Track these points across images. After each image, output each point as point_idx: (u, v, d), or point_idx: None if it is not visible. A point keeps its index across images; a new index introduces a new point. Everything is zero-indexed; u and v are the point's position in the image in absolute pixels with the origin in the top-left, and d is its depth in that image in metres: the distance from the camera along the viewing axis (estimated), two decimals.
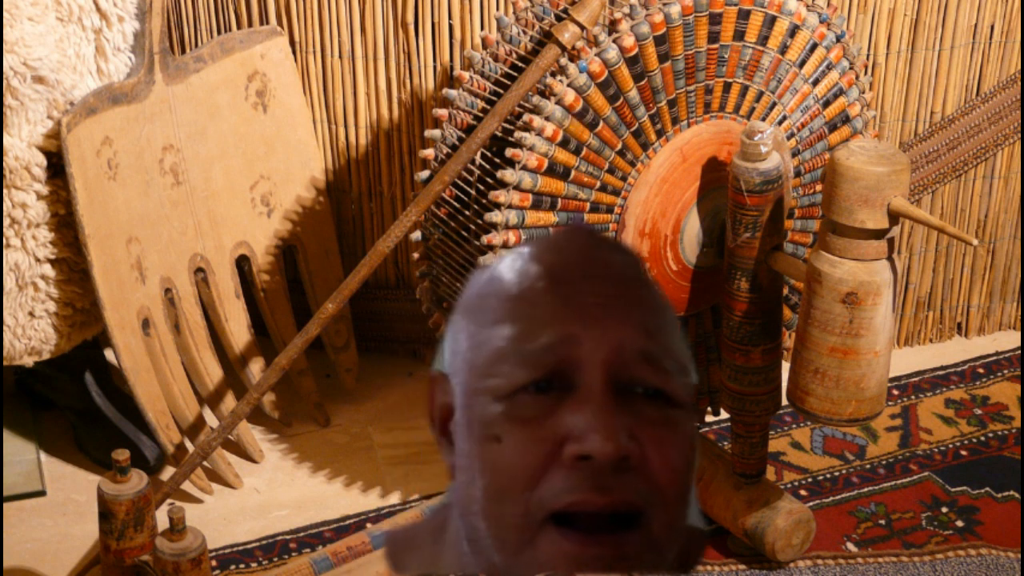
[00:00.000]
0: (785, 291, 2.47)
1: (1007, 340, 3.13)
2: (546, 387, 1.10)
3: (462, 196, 2.39)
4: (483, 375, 1.12)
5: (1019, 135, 2.97)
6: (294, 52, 2.81)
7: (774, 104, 2.39)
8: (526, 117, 2.26)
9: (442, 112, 2.41)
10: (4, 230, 2.49)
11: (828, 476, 2.73)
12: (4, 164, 2.45)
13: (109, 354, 2.81)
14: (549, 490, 1.08)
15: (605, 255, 1.16)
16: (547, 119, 2.25)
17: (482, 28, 2.72)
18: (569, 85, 2.25)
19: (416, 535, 1.23)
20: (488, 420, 1.11)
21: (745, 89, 2.37)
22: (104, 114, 2.51)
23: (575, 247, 1.16)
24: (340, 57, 2.81)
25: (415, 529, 1.24)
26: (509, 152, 2.27)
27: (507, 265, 1.16)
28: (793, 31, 2.36)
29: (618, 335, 1.11)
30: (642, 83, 2.28)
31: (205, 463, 2.65)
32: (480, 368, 1.13)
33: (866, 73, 2.78)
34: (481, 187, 2.35)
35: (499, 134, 2.34)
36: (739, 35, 2.33)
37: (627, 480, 1.08)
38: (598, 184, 2.30)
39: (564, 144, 2.26)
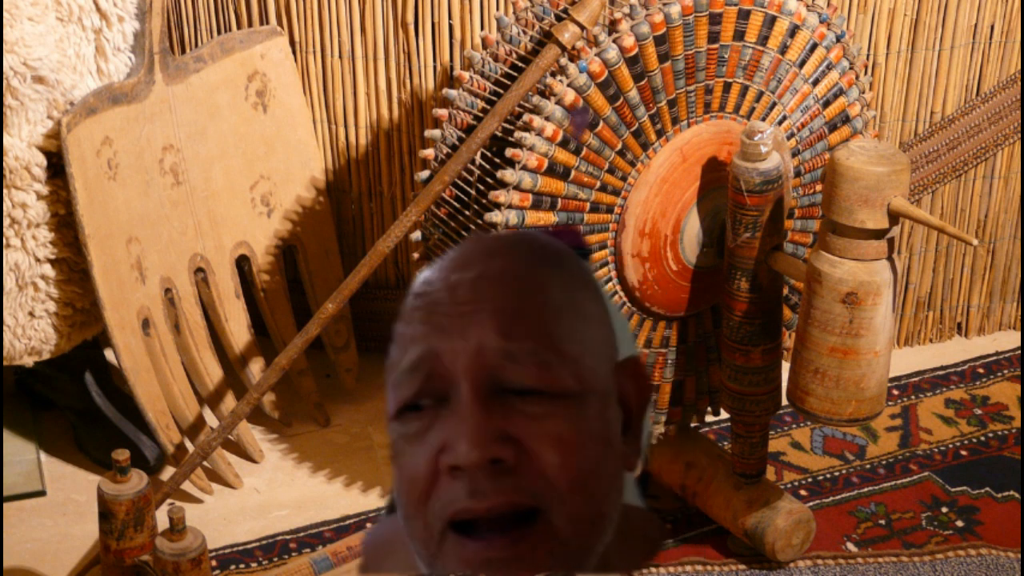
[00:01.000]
0: (785, 291, 2.47)
1: (1007, 340, 3.13)
2: (429, 403, 1.14)
3: (462, 196, 2.39)
4: (389, 396, 1.18)
5: (1019, 135, 2.97)
6: (294, 52, 2.81)
7: (774, 104, 2.39)
8: (526, 117, 2.26)
9: (442, 112, 2.41)
10: (4, 230, 2.49)
11: (828, 476, 2.73)
12: (4, 164, 2.45)
13: (109, 354, 2.81)
14: (437, 501, 1.12)
15: (479, 259, 1.17)
16: (547, 119, 2.25)
17: (482, 28, 2.73)
18: (569, 85, 2.25)
19: (394, 537, 1.24)
20: (390, 441, 1.16)
21: (745, 89, 2.37)
22: (104, 114, 2.51)
23: (458, 256, 1.18)
24: (340, 57, 2.81)
25: (393, 531, 1.25)
26: (509, 152, 2.27)
27: (414, 284, 1.20)
28: (793, 31, 2.36)
29: (474, 342, 1.12)
30: (642, 83, 2.28)
31: (205, 463, 2.65)
32: (388, 390, 1.18)
33: (866, 73, 2.78)
34: (481, 187, 2.35)
35: (499, 134, 2.34)
36: (739, 35, 2.33)
37: (510, 481, 1.10)
38: (598, 184, 2.30)
39: (564, 144, 2.26)
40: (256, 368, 2.82)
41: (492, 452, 1.10)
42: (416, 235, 2.48)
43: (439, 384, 1.13)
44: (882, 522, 2.62)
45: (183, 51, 2.86)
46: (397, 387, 1.15)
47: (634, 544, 1.19)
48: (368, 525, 2.58)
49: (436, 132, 2.42)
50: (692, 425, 2.60)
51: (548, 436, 1.11)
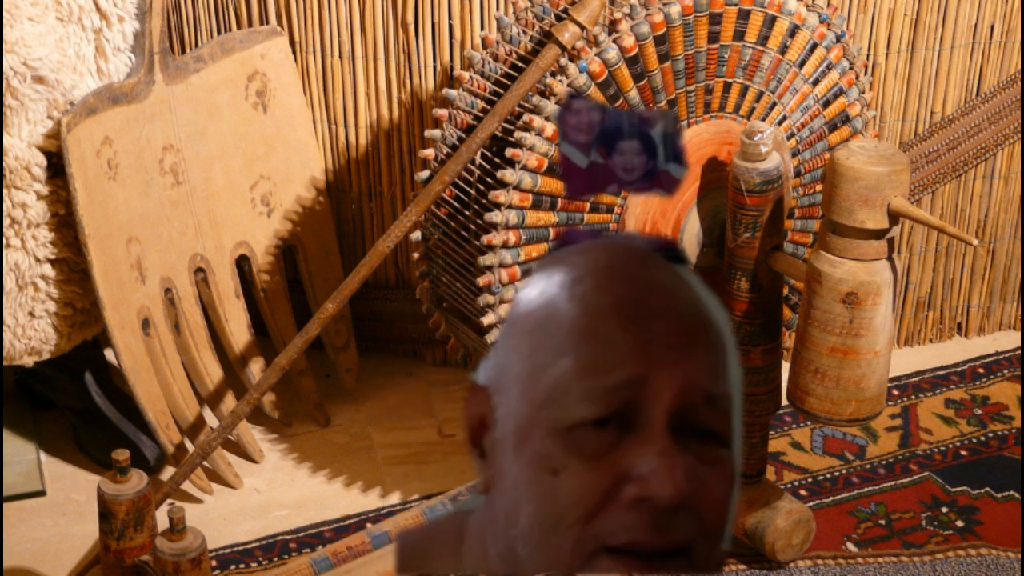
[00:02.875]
0: (785, 291, 2.47)
1: (1007, 340, 3.13)
2: (606, 422, 1.10)
3: (462, 196, 2.39)
4: (542, 404, 1.11)
5: (1019, 135, 2.97)
6: (294, 52, 2.81)
7: (774, 104, 2.39)
8: (526, 117, 2.26)
9: (442, 112, 2.41)
10: (4, 230, 2.49)
11: (828, 476, 2.73)
12: (4, 164, 2.45)
13: (109, 354, 2.81)
14: (606, 527, 1.09)
15: (669, 283, 1.15)
16: (547, 119, 2.25)
17: (482, 28, 2.73)
18: (569, 85, 2.25)
19: (431, 540, 1.23)
20: (546, 451, 1.10)
21: (745, 89, 2.37)
22: (104, 114, 2.51)
23: (638, 273, 1.15)
24: (340, 57, 2.81)
25: (429, 533, 1.24)
26: (509, 152, 2.27)
27: (567, 288, 1.14)
28: (793, 31, 2.36)
29: (686, 378, 1.11)
30: (642, 83, 2.28)
31: (205, 463, 2.65)
32: (539, 396, 1.12)
33: (866, 73, 2.78)
34: (481, 187, 2.35)
35: (499, 134, 2.34)
36: (739, 35, 2.33)
37: (680, 520, 1.10)
38: None
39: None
40: (256, 368, 2.81)
41: (684, 494, 1.09)
42: (416, 235, 2.48)
43: (631, 407, 1.10)
44: (882, 522, 2.62)
45: (183, 51, 2.86)
46: (580, 401, 1.10)
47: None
48: (368, 525, 2.58)
49: (436, 132, 2.42)
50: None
51: (713, 483, 1.12)
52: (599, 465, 1.09)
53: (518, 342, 1.15)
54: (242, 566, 2.52)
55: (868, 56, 2.84)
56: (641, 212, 2.33)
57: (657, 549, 1.10)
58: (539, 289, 1.16)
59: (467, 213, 2.37)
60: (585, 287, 1.13)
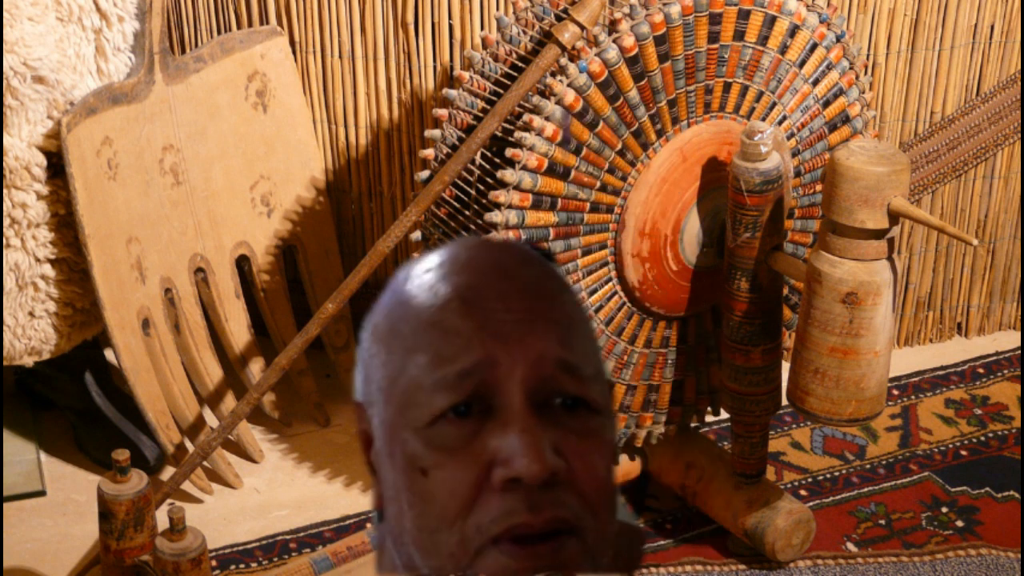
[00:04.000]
0: (785, 291, 2.47)
1: (1007, 340, 3.13)
2: (465, 411, 1.09)
3: (462, 196, 2.39)
4: (401, 406, 1.11)
5: (1019, 135, 2.97)
6: (294, 52, 2.81)
7: (774, 104, 2.39)
8: (526, 117, 2.26)
9: (442, 112, 2.41)
10: (4, 230, 2.49)
11: (828, 476, 2.73)
12: (4, 164, 2.45)
13: (109, 354, 2.81)
14: (485, 516, 1.08)
15: (515, 268, 1.15)
16: (547, 119, 2.25)
17: (482, 28, 2.73)
18: (569, 85, 2.25)
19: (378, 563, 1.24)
20: (412, 452, 1.10)
21: (745, 89, 2.37)
22: (104, 114, 2.51)
23: (484, 262, 1.15)
24: (340, 57, 2.81)
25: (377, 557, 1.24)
26: (509, 152, 2.27)
27: (415, 285, 1.14)
28: (793, 31, 2.36)
29: (534, 351, 1.10)
30: (642, 83, 2.28)
31: (205, 463, 2.65)
32: (398, 399, 1.12)
33: (866, 73, 2.78)
34: (481, 187, 2.35)
35: (499, 134, 2.34)
36: (739, 35, 2.33)
37: (557, 495, 1.09)
38: (598, 184, 2.30)
39: (564, 144, 2.26)
40: (256, 368, 2.82)
41: (552, 467, 1.08)
42: (416, 235, 2.48)
43: (486, 392, 1.09)
44: (882, 522, 2.62)
45: (183, 51, 2.86)
46: (433, 393, 1.09)
47: (620, 556, 1.19)
48: (368, 525, 2.58)
49: (436, 132, 2.42)
50: (692, 425, 2.60)
51: (589, 454, 1.10)
52: (466, 456, 1.09)
53: (377, 350, 1.16)
54: (242, 566, 2.52)
55: (868, 56, 2.84)
56: (641, 212, 2.33)
57: (541, 530, 1.08)
58: (390, 291, 1.18)
59: (467, 213, 2.37)
60: (426, 281, 1.14)
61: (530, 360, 1.09)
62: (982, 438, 2.84)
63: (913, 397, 2.95)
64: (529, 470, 1.07)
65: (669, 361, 2.45)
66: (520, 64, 2.36)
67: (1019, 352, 3.08)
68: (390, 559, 1.18)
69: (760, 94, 2.38)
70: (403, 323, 1.14)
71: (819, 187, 2.41)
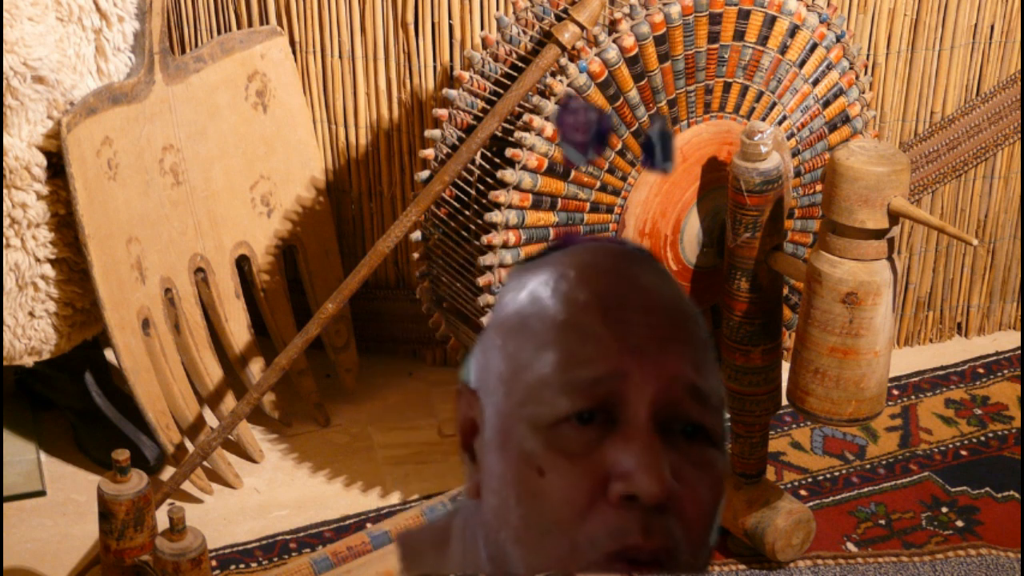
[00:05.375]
0: (785, 291, 2.47)
1: (1007, 340, 3.13)
2: (588, 419, 1.08)
3: (462, 196, 2.39)
4: (523, 401, 1.10)
5: (1019, 135, 2.97)
6: (294, 52, 2.81)
7: (774, 104, 2.39)
8: (526, 117, 2.26)
9: (442, 112, 2.41)
10: (4, 230, 2.49)
11: (828, 476, 2.73)
12: (4, 164, 2.45)
13: (109, 354, 2.81)
14: (600, 529, 1.07)
15: (651, 280, 1.14)
16: (547, 119, 2.25)
17: (482, 28, 2.72)
18: (569, 85, 2.25)
19: (420, 541, 1.23)
20: (529, 450, 1.09)
21: (745, 89, 2.37)
22: (104, 114, 2.51)
23: (621, 270, 1.14)
24: (340, 57, 2.81)
25: (420, 534, 1.23)
26: (509, 152, 2.27)
27: (550, 285, 1.13)
28: (793, 31, 2.36)
29: (669, 371, 1.09)
30: (642, 83, 2.28)
31: (205, 463, 2.65)
32: (520, 393, 1.11)
33: (866, 73, 2.78)
34: (481, 187, 2.35)
35: (499, 134, 2.34)
36: (739, 35, 2.33)
37: (667, 521, 1.08)
38: (598, 184, 2.30)
39: None
40: (256, 368, 2.81)
41: (670, 489, 1.07)
42: (416, 235, 2.48)
43: (613, 403, 1.08)
44: (882, 522, 2.62)
45: (183, 51, 2.86)
46: (560, 395, 1.08)
47: None
48: (368, 525, 2.58)
49: (436, 132, 2.42)
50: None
51: (700, 486, 1.09)
52: (584, 463, 1.08)
53: (503, 341, 1.14)
54: (242, 566, 2.52)
55: (868, 56, 2.84)
56: (641, 212, 2.33)
57: (649, 556, 1.07)
58: (523, 287, 1.15)
59: (467, 213, 2.37)
60: (567, 283, 1.12)
61: (663, 379, 1.08)
62: (982, 438, 2.84)
63: (913, 397, 2.95)
64: (649, 489, 1.06)
65: None
66: (520, 64, 2.36)
67: (1019, 352, 3.08)
68: (468, 547, 1.16)
69: (760, 94, 2.38)
70: (536, 319, 1.12)
71: (819, 187, 2.41)
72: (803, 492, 2.69)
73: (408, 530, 1.25)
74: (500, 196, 2.27)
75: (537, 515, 1.09)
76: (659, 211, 2.34)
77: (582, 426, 1.08)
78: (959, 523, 2.61)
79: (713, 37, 2.31)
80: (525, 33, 2.37)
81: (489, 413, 1.13)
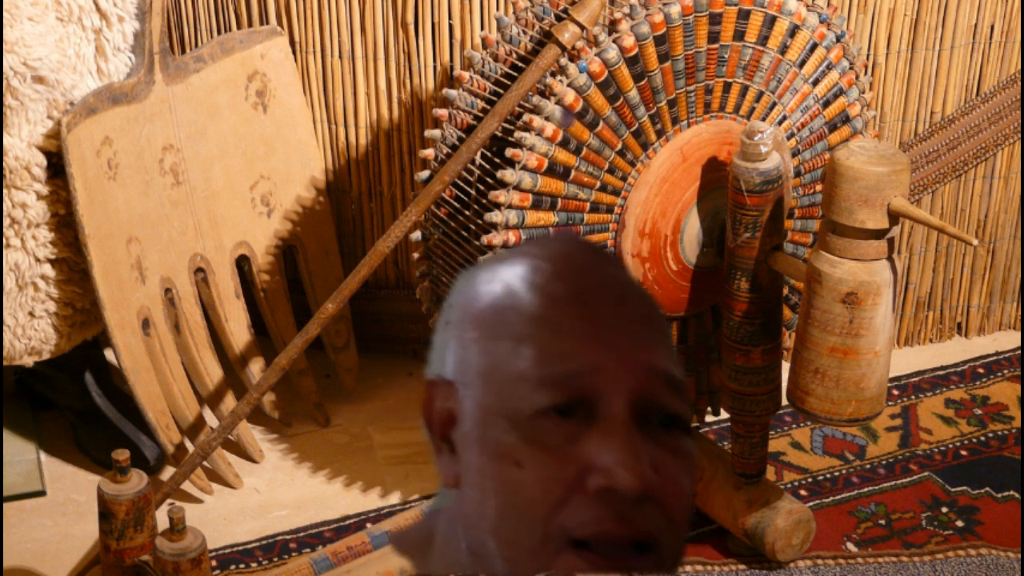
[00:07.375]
0: (785, 291, 2.47)
1: (1007, 340, 3.13)
2: (566, 412, 1.09)
3: (462, 196, 2.39)
4: (502, 394, 1.11)
5: (1019, 135, 2.97)
6: (294, 52, 2.81)
7: (774, 104, 2.39)
8: (526, 117, 2.26)
9: (442, 112, 2.41)
10: (4, 230, 2.49)
11: (828, 476, 2.73)
12: (4, 164, 2.45)
13: (109, 354, 2.81)
14: (572, 518, 1.08)
15: (616, 272, 1.16)
16: (547, 119, 2.25)
17: (482, 28, 2.73)
18: (569, 85, 2.25)
19: (407, 539, 1.23)
20: (507, 443, 1.10)
21: (745, 89, 2.37)
22: (104, 114, 2.51)
23: (591, 263, 1.15)
24: (340, 57, 2.81)
25: (407, 533, 1.24)
26: (509, 152, 2.27)
27: (525, 279, 1.14)
28: (793, 31, 2.36)
29: (644, 363, 1.10)
30: (642, 83, 2.28)
31: (205, 463, 2.65)
32: (498, 387, 1.12)
33: (866, 73, 2.78)
34: (481, 187, 2.35)
35: (499, 134, 2.34)
36: (739, 35, 2.33)
37: (646, 510, 1.09)
38: (598, 184, 2.30)
39: (564, 144, 2.26)
40: (256, 368, 2.81)
41: (649, 482, 1.08)
42: (416, 235, 2.48)
43: (591, 397, 1.09)
44: (882, 522, 2.62)
45: (183, 51, 2.86)
46: (538, 389, 1.09)
47: None
48: (368, 525, 2.58)
49: (436, 132, 2.42)
50: (692, 425, 2.60)
51: (678, 473, 1.11)
52: (562, 456, 1.09)
53: (479, 334, 1.15)
54: (242, 566, 2.52)
55: (868, 56, 2.84)
56: (641, 212, 2.33)
57: (624, 540, 1.08)
58: (496, 279, 1.16)
59: (467, 213, 2.37)
60: (542, 276, 1.14)
61: (639, 371, 1.10)
62: (982, 438, 2.84)
63: (913, 397, 2.95)
64: (628, 483, 1.07)
65: None
66: (520, 64, 2.36)
67: (1019, 352, 3.08)
68: (450, 543, 1.17)
69: (760, 94, 2.38)
70: (510, 313, 1.13)
71: (819, 187, 2.41)
72: (803, 492, 2.69)
73: (398, 531, 1.26)
74: (500, 196, 2.27)
75: (513, 506, 1.10)
76: (659, 211, 2.34)
77: (561, 419, 1.09)
78: (959, 523, 2.61)
79: (713, 37, 2.31)
80: (525, 33, 2.37)
81: (468, 406, 1.14)
